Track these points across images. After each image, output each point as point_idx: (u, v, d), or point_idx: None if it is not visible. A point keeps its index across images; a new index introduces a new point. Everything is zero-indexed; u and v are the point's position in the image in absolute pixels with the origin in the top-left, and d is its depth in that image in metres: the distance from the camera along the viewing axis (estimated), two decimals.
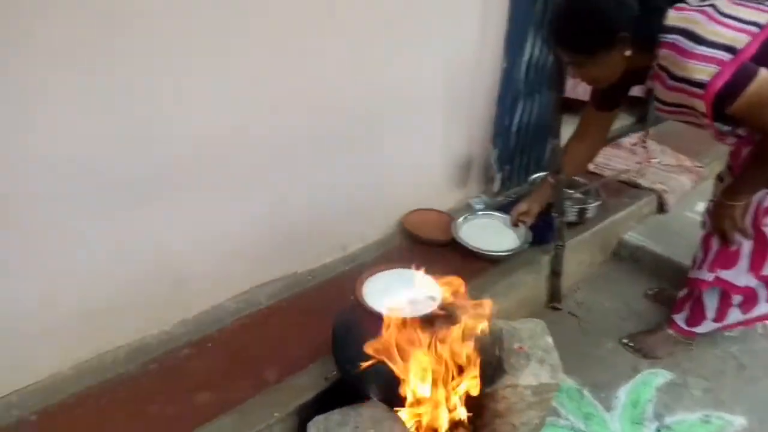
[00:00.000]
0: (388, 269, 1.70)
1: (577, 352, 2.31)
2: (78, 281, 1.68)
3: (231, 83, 1.77)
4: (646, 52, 1.71)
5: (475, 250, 2.38)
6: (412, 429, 1.56)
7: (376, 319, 1.49)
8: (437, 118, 2.54)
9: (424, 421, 1.53)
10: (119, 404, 1.65)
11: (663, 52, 1.67)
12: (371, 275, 1.65)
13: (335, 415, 1.48)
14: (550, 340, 1.76)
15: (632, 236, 2.96)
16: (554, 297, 2.56)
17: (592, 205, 2.74)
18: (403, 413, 1.54)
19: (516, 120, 2.85)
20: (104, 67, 1.50)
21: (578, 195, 2.86)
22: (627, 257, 2.93)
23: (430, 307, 1.54)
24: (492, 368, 1.63)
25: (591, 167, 3.30)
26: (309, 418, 1.53)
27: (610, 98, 2.09)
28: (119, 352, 1.84)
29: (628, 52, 1.70)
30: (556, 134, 2.22)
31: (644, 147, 3.70)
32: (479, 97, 2.66)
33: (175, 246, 1.86)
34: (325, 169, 2.19)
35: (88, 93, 1.50)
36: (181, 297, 1.95)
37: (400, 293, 1.64)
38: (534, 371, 1.65)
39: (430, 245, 2.45)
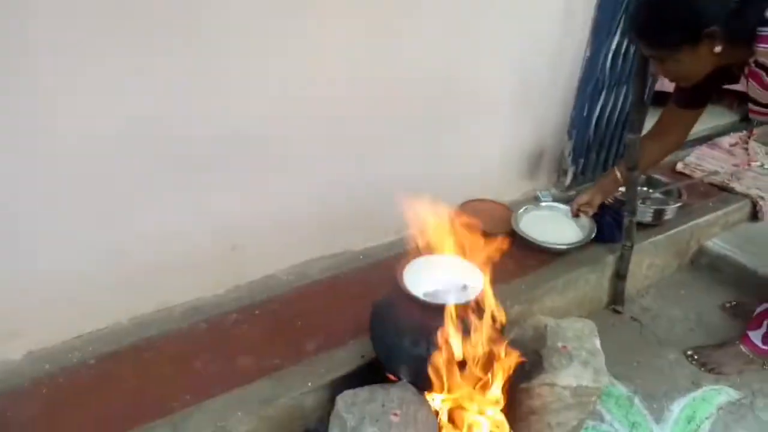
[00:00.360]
0: (433, 254, 1.67)
1: (634, 359, 2.18)
2: (145, 240, 1.79)
3: (310, 60, 1.81)
4: (741, 47, 1.52)
5: (533, 241, 2.29)
6: (443, 415, 1.54)
7: (412, 302, 1.47)
8: (510, 105, 2.46)
9: (453, 407, 1.50)
10: (168, 358, 1.75)
11: (762, 47, 1.49)
12: (415, 258, 1.63)
13: (364, 392, 1.49)
14: (597, 342, 1.67)
15: (715, 243, 2.73)
16: (616, 299, 2.42)
17: (672, 206, 2.55)
18: (433, 398, 1.52)
19: (596, 112, 2.69)
20: (194, 48, 1.59)
21: (658, 195, 2.68)
22: (706, 266, 2.71)
23: (469, 296, 1.50)
24: (529, 364, 1.58)
25: (680, 167, 3.09)
26: (341, 391, 1.56)
27: (696, 95, 1.92)
28: (174, 310, 1.95)
29: (718, 48, 1.53)
30: (635, 129, 2.06)
31: (745, 148, 3.39)
32: (557, 86, 2.54)
33: (235, 214, 1.93)
34: (391, 151, 2.19)
35: (181, 66, 1.60)
36: (236, 264, 2.03)
37: (442, 279, 1.61)
38: (575, 372, 1.57)
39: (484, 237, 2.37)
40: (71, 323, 1.78)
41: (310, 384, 1.67)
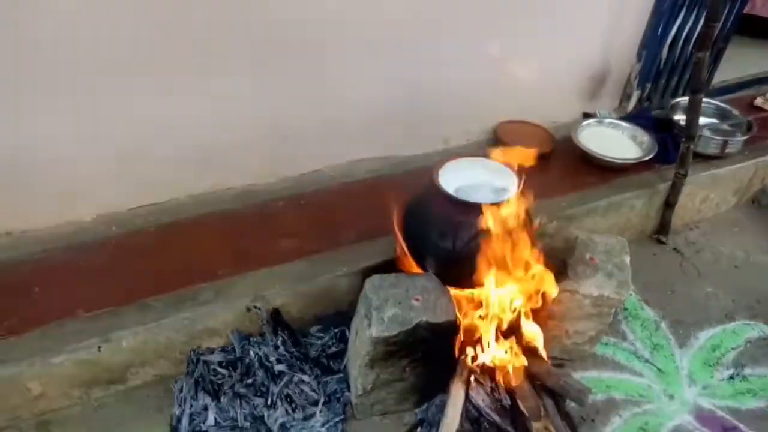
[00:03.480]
0: (473, 157, 1.69)
1: (669, 288, 2.18)
2: (203, 122, 1.90)
3: None
4: None
5: (588, 152, 2.27)
6: (469, 309, 1.62)
7: (443, 197, 1.52)
8: (578, 15, 2.33)
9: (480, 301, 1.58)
10: (218, 233, 1.91)
11: None
12: (453, 160, 1.66)
13: (390, 278, 1.59)
14: (627, 259, 1.68)
15: None
16: (662, 229, 2.38)
17: (737, 139, 2.42)
18: (458, 291, 1.60)
19: (672, 32, 2.53)
20: None
21: (725, 126, 2.54)
22: (766, 206, 2.59)
23: (499, 197, 1.53)
24: (554, 271, 1.62)
25: (759, 101, 2.89)
26: None
27: None
28: (228, 192, 2.09)
29: None
30: (704, 45, 1.93)
31: None
32: (630, 1, 2.38)
33: (289, 106, 2.00)
34: (448, 56, 2.16)
35: None
36: (287, 156, 2.13)
37: (476, 179, 1.65)
38: (598, 283, 1.61)
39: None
40: (136, 194, 1.96)
41: (344, 269, 1.79)
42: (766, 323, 2.05)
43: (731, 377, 1.84)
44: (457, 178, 1.63)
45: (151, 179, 1.96)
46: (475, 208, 1.50)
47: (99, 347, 1.56)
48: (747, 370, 1.87)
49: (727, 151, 2.39)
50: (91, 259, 1.79)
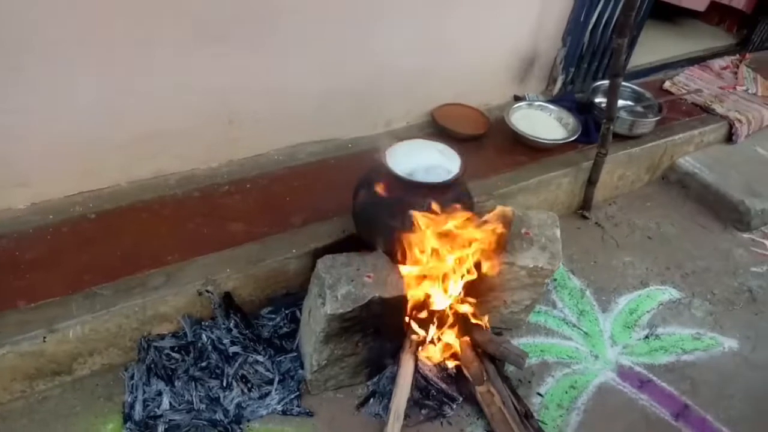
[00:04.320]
0: (418, 138, 1.77)
1: (592, 259, 2.38)
2: (143, 106, 1.86)
3: None
4: None
5: (520, 133, 2.41)
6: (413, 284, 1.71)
7: (392, 178, 1.60)
8: (508, 3, 2.45)
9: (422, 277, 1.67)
10: (163, 219, 1.89)
11: None
12: (400, 142, 1.74)
13: (342, 257, 1.65)
14: (557, 232, 1.83)
15: (687, 161, 2.87)
16: (585, 205, 2.58)
17: (650, 120, 2.65)
18: (405, 268, 1.68)
19: (593, 17, 2.70)
20: None
21: (639, 108, 2.77)
22: (675, 182, 2.87)
23: (443, 177, 1.63)
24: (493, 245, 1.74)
25: (667, 85, 3.16)
26: None
27: None
28: (171, 178, 2.06)
29: None
30: (622, 33, 2.10)
31: (735, 72, 3.44)
32: None
33: (234, 89, 1.99)
34: (386, 40, 2.21)
35: None
36: (231, 139, 2.12)
37: (423, 161, 1.73)
38: (533, 255, 1.75)
39: (459, 139, 2.44)
40: (74, 180, 1.89)
41: (294, 251, 1.83)
42: (674, 287, 2.30)
43: (646, 337, 2.06)
44: (405, 160, 1.71)
45: (89, 165, 1.90)
46: (422, 188, 1.58)
47: (44, 338, 1.52)
48: (659, 330, 2.10)
49: (637, 131, 2.61)
50: (28, 249, 1.72)
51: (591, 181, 2.48)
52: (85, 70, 1.70)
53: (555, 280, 2.26)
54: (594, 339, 2.04)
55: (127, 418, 1.59)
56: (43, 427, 1.57)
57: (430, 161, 1.76)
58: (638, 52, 3.11)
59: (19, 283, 1.62)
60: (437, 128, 2.48)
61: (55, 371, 1.62)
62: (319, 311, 1.54)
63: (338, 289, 1.55)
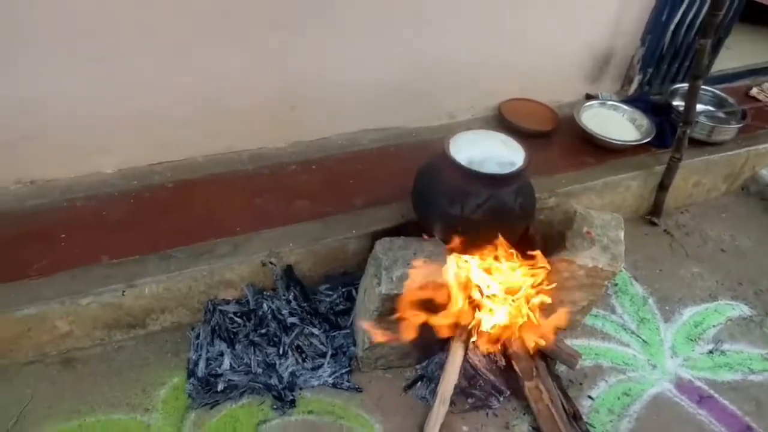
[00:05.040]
0: (482, 130, 1.78)
1: (658, 266, 2.30)
2: (222, 86, 1.97)
3: None
4: None
5: (590, 133, 2.36)
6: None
7: (454, 166, 1.61)
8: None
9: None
10: (234, 192, 2.00)
11: None
12: (464, 131, 1.75)
13: (400, 241, 1.69)
14: (621, 234, 1.79)
15: None
16: (655, 211, 2.49)
17: (731, 126, 2.52)
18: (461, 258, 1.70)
19: (676, 17, 2.60)
20: None
21: (720, 114, 2.64)
22: (755, 193, 2.71)
23: (506, 170, 1.63)
24: (552, 242, 1.72)
25: (754, 91, 2.99)
26: None
27: None
28: (243, 154, 2.17)
29: None
30: (707, 33, 2.01)
31: None
32: None
33: (295, 75, 2.07)
34: (456, 32, 2.22)
35: None
36: (295, 122, 2.20)
37: (487, 152, 1.74)
38: (593, 254, 1.72)
39: (525, 135, 2.41)
40: (154, 151, 2.04)
41: (354, 231, 1.89)
42: (746, 304, 2.18)
43: (710, 351, 1.98)
44: (467, 149, 1.72)
45: (168, 139, 2.03)
46: (483, 179, 1.59)
47: (123, 292, 1.65)
48: (725, 346, 2.00)
49: (716, 137, 2.49)
50: (113, 209, 1.87)
51: (662, 186, 2.39)
52: (158, 51, 1.82)
53: (616, 284, 2.20)
54: (653, 348, 1.98)
55: (191, 374, 1.70)
56: (118, 373, 1.71)
57: (493, 152, 1.76)
58: (724, 56, 2.95)
59: (104, 241, 1.76)
60: (503, 122, 2.47)
61: (131, 324, 1.75)
62: (374, 290, 1.59)
63: (394, 271, 1.58)
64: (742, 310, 2.16)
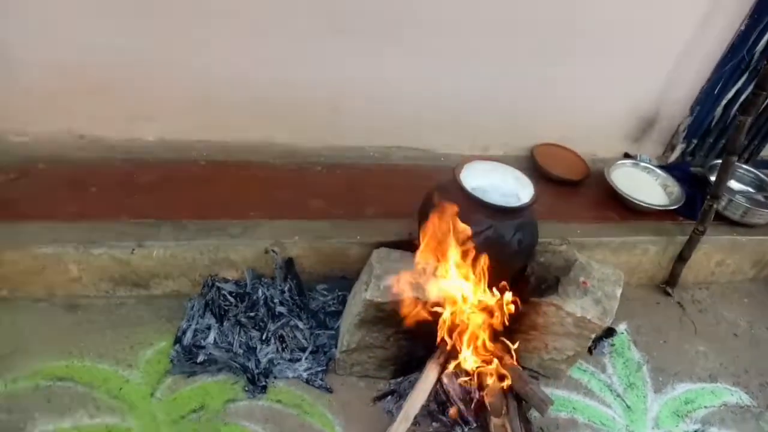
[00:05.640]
0: (499, 163, 1.81)
1: (662, 337, 2.25)
2: (274, 77, 2.09)
3: None
4: None
5: (616, 189, 2.35)
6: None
7: (459, 190, 1.65)
8: (635, 59, 2.41)
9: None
10: (258, 180, 2.11)
11: None
12: (478, 161, 1.78)
13: (396, 253, 1.74)
14: (618, 291, 1.78)
15: None
16: (670, 281, 2.44)
17: (766, 211, 2.44)
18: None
19: (729, 94, 2.57)
20: None
21: (759, 197, 2.57)
22: None
23: (509, 203, 1.66)
24: (546, 284, 1.73)
25: None
26: None
27: None
28: (276, 147, 2.28)
29: None
30: (748, 111, 1.99)
31: None
32: (693, 56, 2.43)
33: (342, 81, 2.17)
34: (505, 72, 2.29)
35: None
36: (335, 126, 2.30)
37: (497, 183, 1.77)
38: (584, 305, 1.71)
39: (556, 182, 2.44)
40: (196, 128, 2.18)
41: (358, 237, 1.95)
42: (747, 393, 2.10)
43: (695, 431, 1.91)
44: (478, 177, 1.76)
45: (212, 119, 2.17)
46: (484, 207, 1.63)
47: (133, 250, 1.77)
48: (712, 430, 1.93)
49: (749, 219, 2.42)
50: (145, 174, 2.02)
51: (681, 257, 2.35)
52: (221, 40, 1.96)
53: (613, 345, 2.16)
54: (635, 415, 1.93)
55: (178, 340, 1.79)
56: (113, 327, 1.82)
57: (503, 186, 1.79)
58: None
59: (129, 200, 1.90)
60: (533, 164, 2.49)
61: (135, 283, 1.87)
62: (361, 295, 1.64)
63: (383, 280, 1.63)
64: (741, 398, 2.08)
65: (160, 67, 1.97)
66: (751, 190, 2.60)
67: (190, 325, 1.81)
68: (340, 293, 1.99)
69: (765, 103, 2.61)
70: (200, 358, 1.74)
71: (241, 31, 1.97)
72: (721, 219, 2.40)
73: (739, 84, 2.53)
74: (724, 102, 2.58)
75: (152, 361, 1.75)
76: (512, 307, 1.63)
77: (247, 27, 1.96)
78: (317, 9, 1.97)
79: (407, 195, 2.15)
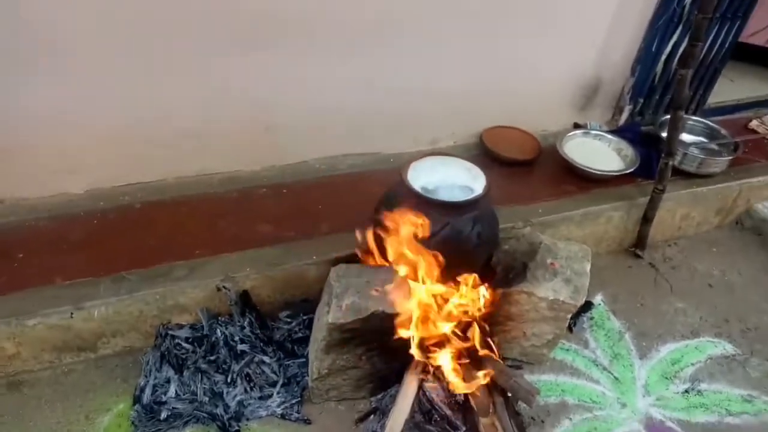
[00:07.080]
0: (448, 156, 1.74)
1: (638, 301, 2.21)
2: (198, 108, 1.98)
3: None
4: None
5: (571, 163, 2.31)
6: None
7: (410, 193, 1.58)
8: (575, 28, 2.37)
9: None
10: (199, 215, 1.98)
11: None
12: (424, 158, 1.71)
13: (354, 268, 1.65)
14: (587, 266, 1.72)
15: (766, 207, 2.60)
16: (639, 243, 2.41)
17: (722, 159, 2.44)
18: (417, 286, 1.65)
19: (667, 48, 2.56)
20: None
21: (713, 146, 2.56)
22: (750, 228, 2.61)
23: (459, 197, 1.58)
24: (514, 272, 1.67)
25: (754, 124, 2.91)
26: None
27: None
28: (214, 177, 2.17)
29: None
30: (687, 63, 1.97)
31: None
32: (628, 14, 2.40)
33: (270, 98, 2.06)
34: (441, 58, 2.21)
35: None
36: (271, 145, 2.19)
37: (446, 178, 1.70)
38: (555, 287, 1.65)
39: (506, 163, 2.37)
40: (125, 172, 2.04)
41: (314, 257, 1.85)
42: (730, 342, 2.08)
43: (686, 391, 1.87)
44: (427, 175, 1.69)
45: (141, 160, 2.04)
46: (437, 206, 1.55)
47: (71, 314, 1.63)
48: (703, 385, 1.90)
49: (706, 170, 2.41)
50: (75, 230, 1.87)
51: (646, 219, 2.32)
52: (143, 74, 1.83)
53: (592, 318, 2.12)
54: (625, 386, 1.88)
55: (137, 400, 1.66)
56: (64, 398, 1.68)
57: (455, 180, 1.72)
58: (725, 90, 2.89)
59: (60, 261, 1.75)
60: (484, 150, 2.43)
61: (81, 347, 1.73)
62: (323, 319, 1.54)
63: (344, 299, 1.54)
64: (725, 348, 2.05)
65: (71, 116, 1.83)
66: (704, 140, 2.60)
67: (148, 381, 1.69)
68: (304, 317, 1.89)
69: (703, 53, 2.61)
70: (163, 415, 1.61)
71: (153, 66, 1.84)
72: (679, 173, 2.38)
73: (675, 37, 2.52)
74: (663, 57, 2.56)
75: (111, 427, 1.62)
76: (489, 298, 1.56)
77: (159, 59, 1.84)
78: (226, 28, 1.85)
79: (360, 204, 2.05)
